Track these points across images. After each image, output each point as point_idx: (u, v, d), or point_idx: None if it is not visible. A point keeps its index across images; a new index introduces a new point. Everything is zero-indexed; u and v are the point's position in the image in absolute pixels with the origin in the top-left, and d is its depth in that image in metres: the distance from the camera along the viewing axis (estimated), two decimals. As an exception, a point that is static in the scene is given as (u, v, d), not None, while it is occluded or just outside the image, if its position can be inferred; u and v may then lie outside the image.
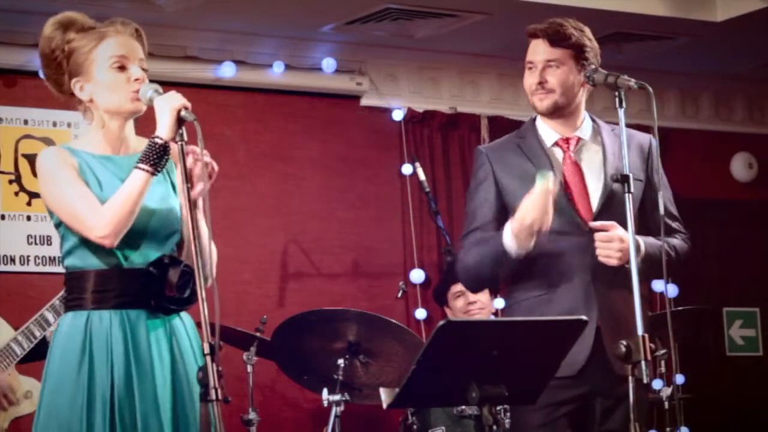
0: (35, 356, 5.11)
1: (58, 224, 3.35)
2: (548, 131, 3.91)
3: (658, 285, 6.94)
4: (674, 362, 5.50)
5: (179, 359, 3.35)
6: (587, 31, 3.94)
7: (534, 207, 3.65)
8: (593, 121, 3.97)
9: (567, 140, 3.89)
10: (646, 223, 3.87)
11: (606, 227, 3.73)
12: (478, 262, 3.86)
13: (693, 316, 6.05)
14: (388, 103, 6.92)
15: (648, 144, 3.96)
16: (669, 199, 3.96)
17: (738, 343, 7.85)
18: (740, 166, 7.92)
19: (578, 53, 3.86)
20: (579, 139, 3.90)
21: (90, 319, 3.29)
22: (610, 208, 3.80)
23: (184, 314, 3.40)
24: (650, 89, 3.65)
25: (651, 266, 3.78)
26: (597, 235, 3.74)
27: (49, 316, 5.05)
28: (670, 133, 7.37)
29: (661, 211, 3.75)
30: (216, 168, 3.32)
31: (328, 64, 6.69)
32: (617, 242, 3.71)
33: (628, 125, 3.70)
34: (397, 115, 6.92)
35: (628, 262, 3.68)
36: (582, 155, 3.90)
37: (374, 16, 6.27)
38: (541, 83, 3.85)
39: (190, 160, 3.26)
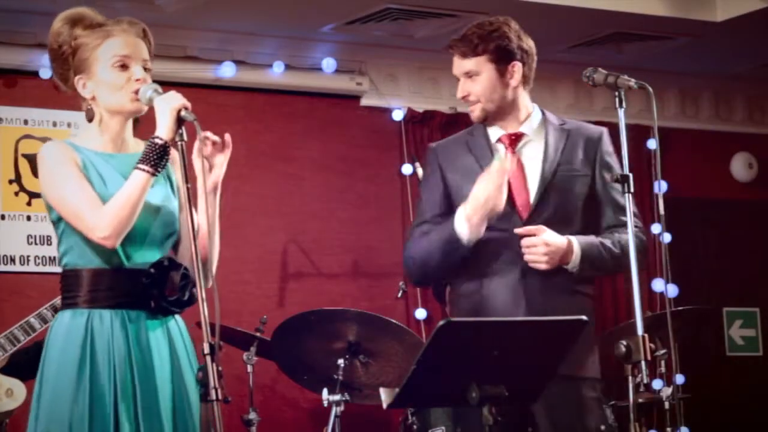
0: (18, 372, 5.13)
1: (58, 220, 3.34)
2: (494, 128, 3.93)
3: (658, 285, 6.99)
4: (674, 362, 5.49)
5: (176, 361, 3.36)
6: (508, 28, 3.90)
7: (489, 185, 3.68)
8: (543, 114, 3.97)
9: (510, 136, 3.89)
10: (598, 219, 3.87)
11: (531, 232, 3.74)
12: (425, 252, 3.86)
13: (693, 316, 6.05)
14: (388, 103, 6.92)
15: (598, 136, 3.94)
16: (621, 192, 3.88)
17: (738, 343, 7.85)
18: (740, 166, 7.92)
19: (496, 56, 3.86)
20: (523, 135, 3.90)
21: (90, 318, 3.29)
22: (547, 202, 3.81)
23: (177, 317, 3.41)
24: (650, 89, 3.65)
25: (592, 265, 3.79)
26: (522, 241, 3.75)
27: (35, 324, 5.07)
28: (670, 133, 7.37)
29: (630, 211, 3.72)
30: (229, 140, 3.35)
31: (328, 64, 6.69)
32: (542, 246, 3.72)
33: (628, 125, 3.70)
34: (397, 115, 6.92)
35: (563, 264, 3.71)
36: (524, 150, 3.90)
37: (374, 16, 6.27)
38: (464, 97, 3.88)
39: (208, 149, 3.29)
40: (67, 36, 3.36)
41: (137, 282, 3.30)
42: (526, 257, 3.74)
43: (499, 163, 3.70)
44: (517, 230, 3.75)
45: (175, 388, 3.33)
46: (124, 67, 3.34)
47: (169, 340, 3.36)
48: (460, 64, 3.89)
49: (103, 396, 3.26)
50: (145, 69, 3.36)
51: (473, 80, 3.86)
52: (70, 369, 3.27)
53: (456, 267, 3.83)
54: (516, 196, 3.82)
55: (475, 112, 3.89)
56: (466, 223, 3.73)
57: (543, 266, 3.72)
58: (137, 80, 3.33)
